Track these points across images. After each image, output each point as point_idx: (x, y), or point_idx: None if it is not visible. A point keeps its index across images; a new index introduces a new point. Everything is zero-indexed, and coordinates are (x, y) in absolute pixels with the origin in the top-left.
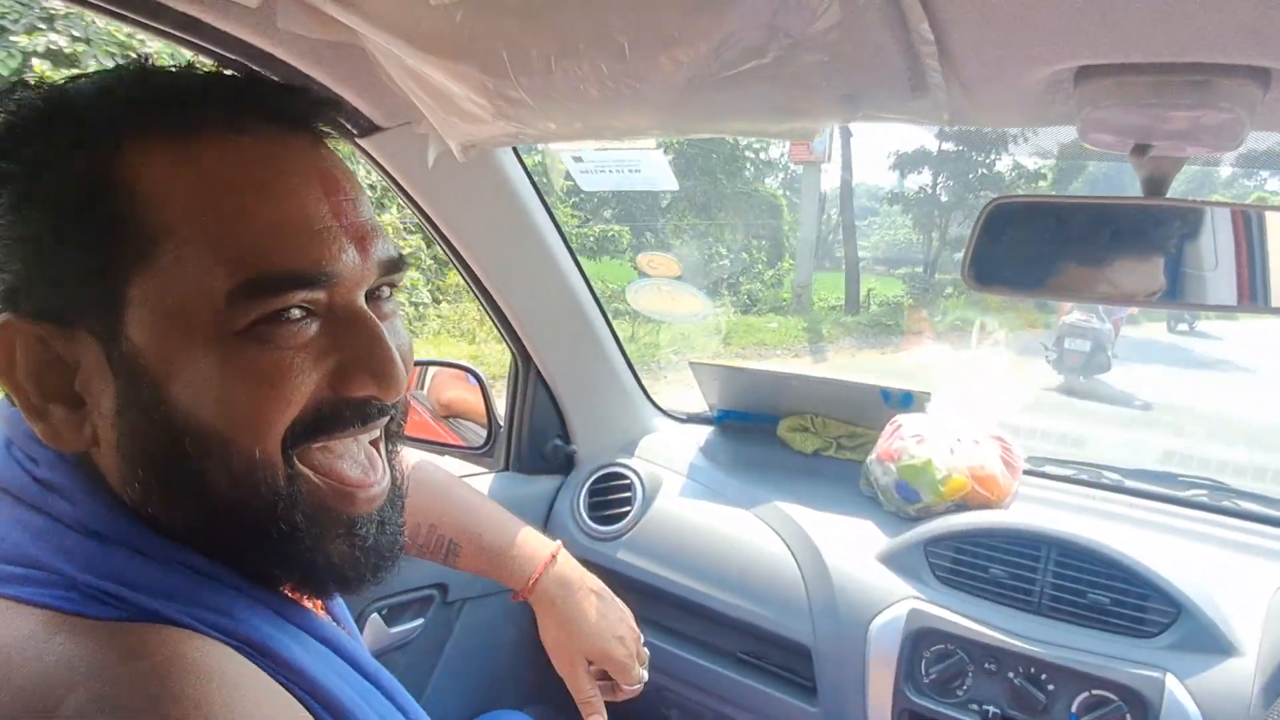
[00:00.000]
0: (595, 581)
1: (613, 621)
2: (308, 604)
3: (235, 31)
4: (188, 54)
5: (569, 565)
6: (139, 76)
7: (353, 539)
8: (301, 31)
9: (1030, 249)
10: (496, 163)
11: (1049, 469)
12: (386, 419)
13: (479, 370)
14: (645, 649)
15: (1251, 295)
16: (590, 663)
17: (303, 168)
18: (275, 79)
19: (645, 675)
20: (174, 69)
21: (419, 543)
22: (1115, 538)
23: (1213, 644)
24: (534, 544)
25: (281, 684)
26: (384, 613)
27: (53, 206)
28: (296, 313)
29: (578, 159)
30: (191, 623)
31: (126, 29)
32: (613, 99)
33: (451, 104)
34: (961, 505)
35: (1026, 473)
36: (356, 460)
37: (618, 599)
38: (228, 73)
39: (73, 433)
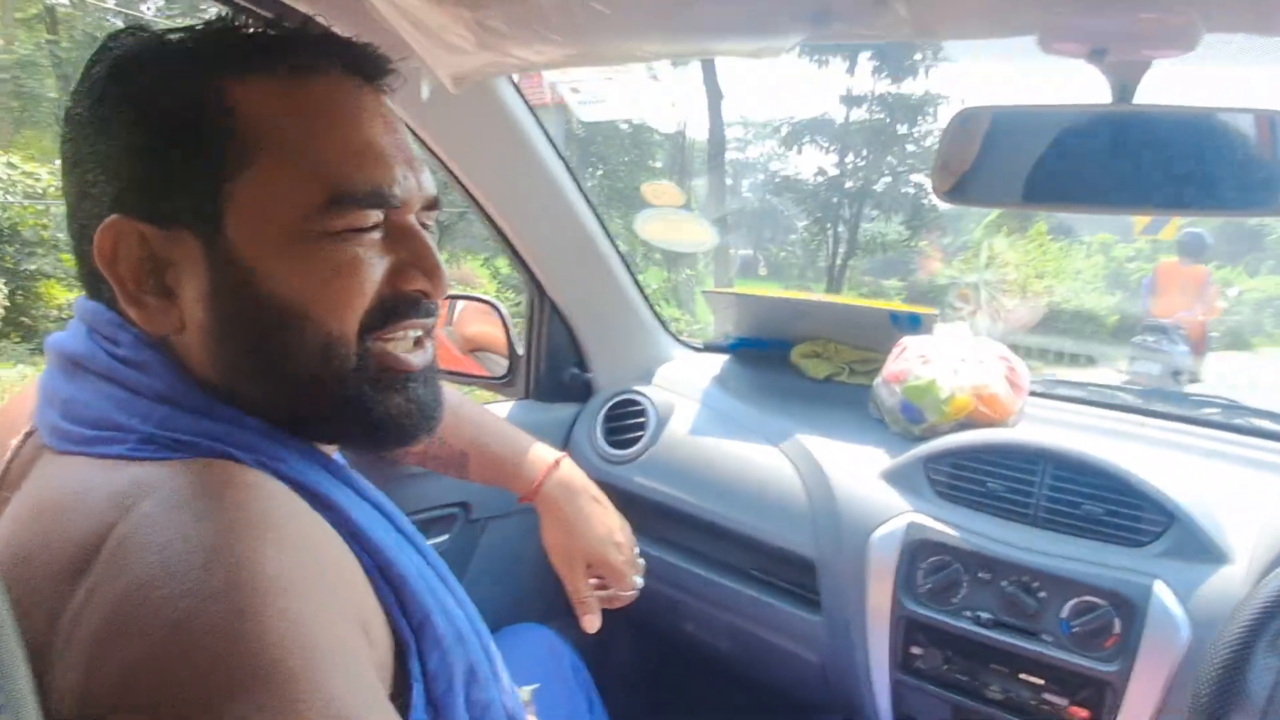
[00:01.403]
0: (596, 490)
1: (611, 529)
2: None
3: None
4: None
5: (572, 472)
6: (236, 26)
7: (406, 393)
8: None
9: (1001, 158)
10: (496, 97)
11: (1060, 390)
12: (431, 320)
13: (500, 303)
14: (641, 559)
15: (1218, 199)
16: (589, 565)
17: (370, 106)
18: (341, 34)
19: (640, 583)
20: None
21: (432, 454)
22: (1112, 451)
23: (1203, 552)
24: (539, 452)
25: (330, 524)
26: None
27: (166, 122)
28: (371, 222)
29: (575, 90)
30: (249, 461)
31: None
32: (588, 24)
33: (436, 37)
34: (966, 424)
35: (1038, 394)
36: (408, 350)
37: (615, 510)
38: (307, 28)
39: (163, 318)
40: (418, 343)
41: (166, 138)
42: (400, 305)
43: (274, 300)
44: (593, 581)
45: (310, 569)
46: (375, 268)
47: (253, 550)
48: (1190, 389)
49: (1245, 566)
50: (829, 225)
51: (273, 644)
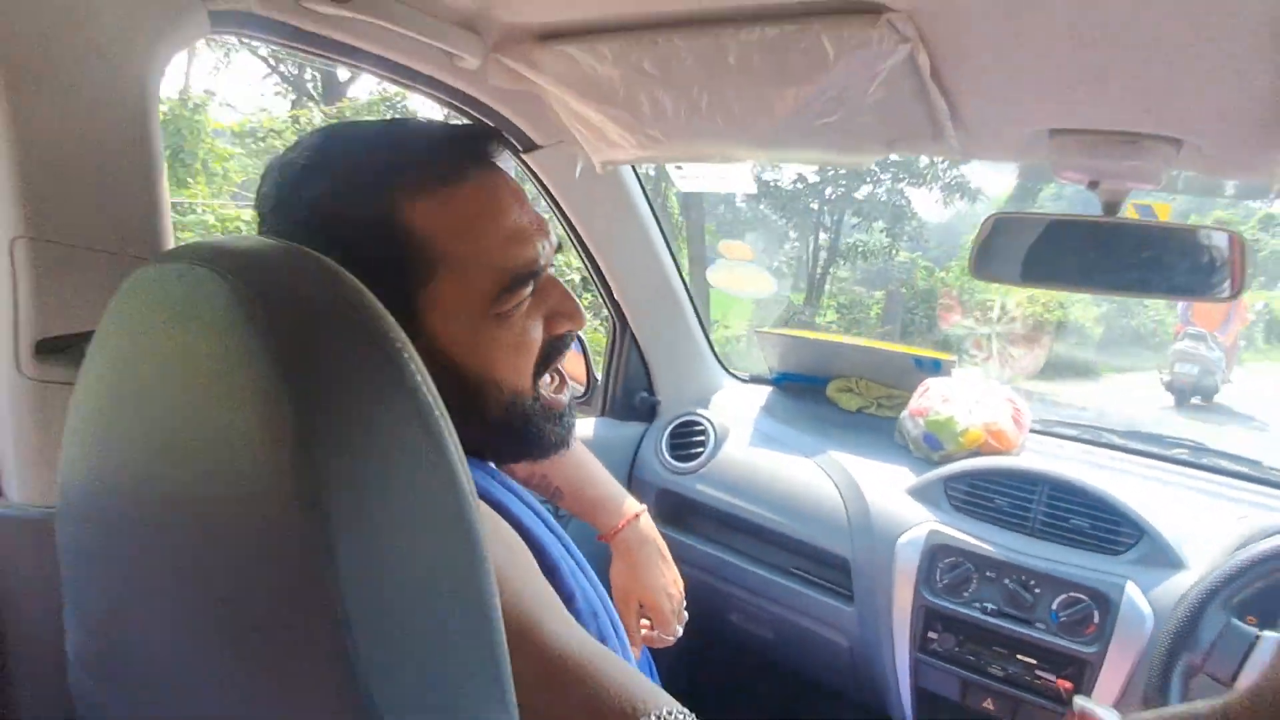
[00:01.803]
0: (663, 545)
1: (668, 581)
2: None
3: (457, 84)
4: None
5: (647, 525)
6: (398, 136)
7: (561, 422)
8: (504, 85)
9: (1020, 251)
10: (621, 176)
11: (1058, 429)
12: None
13: (582, 336)
14: (685, 612)
15: (1169, 289)
16: (641, 606)
17: (508, 190)
18: (478, 127)
19: (679, 632)
20: (421, 126)
21: (534, 484)
22: (1097, 478)
23: (1166, 560)
24: (624, 501)
25: (509, 525)
26: None
27: (357, 239)
28: (529, 292)
29: (678, 166)
30: None
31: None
32: (721, 138)
33: (602, 137)
34: (977, 453)
35: (1039, 431)
36: (559, 391)
37: (674, 566)
38: (450, 126)
39: None
40: (561, 383)
41: (360, 253)
42: (554, 349)
43: (469, 373)
44: (643, 622)
45: (511, 555)
46: (536, 328)
47: None
48: (1165, 433)
49: (1198, 573)
50: (810, 234)
51: (508, 604)
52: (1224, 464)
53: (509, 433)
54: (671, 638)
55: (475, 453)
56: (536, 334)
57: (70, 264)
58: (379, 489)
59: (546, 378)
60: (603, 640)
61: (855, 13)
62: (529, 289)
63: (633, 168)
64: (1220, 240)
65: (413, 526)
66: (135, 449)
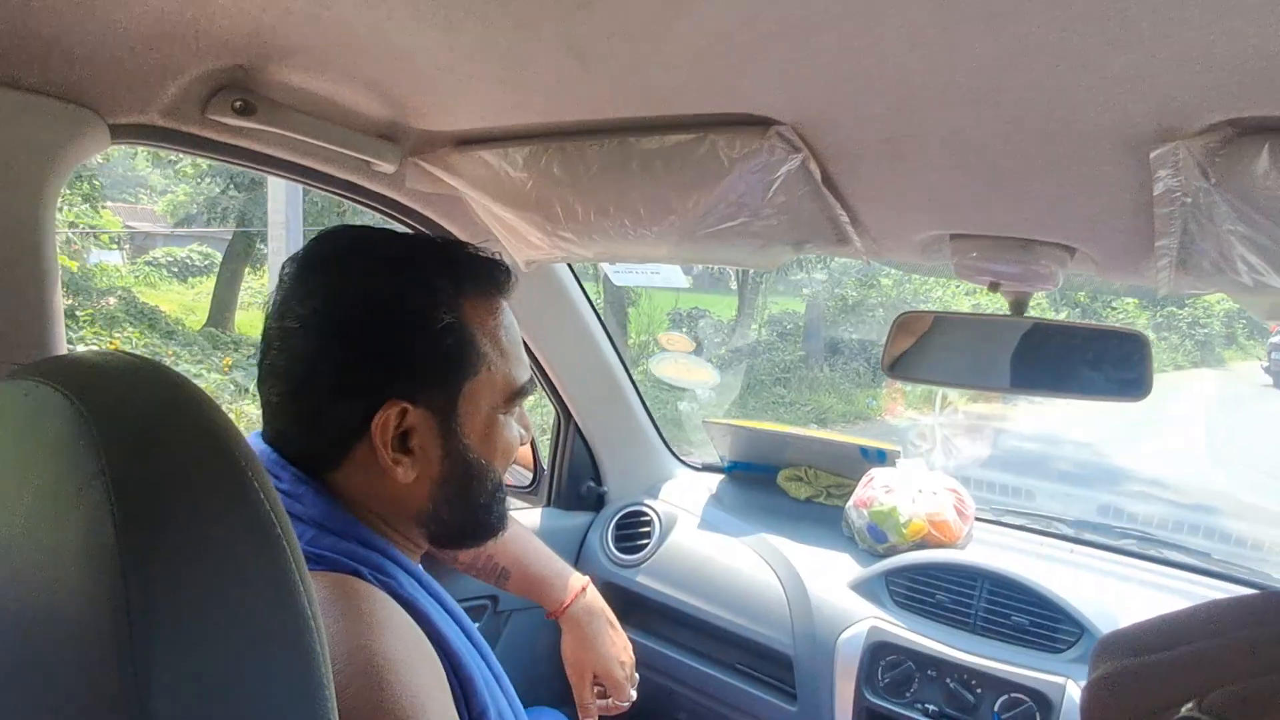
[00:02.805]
0: (611, 615)
1: (619, 649)
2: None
3: (374, 187)
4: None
5: (594, 598)
6: (442, 245)
7: (506, 506)
8: (422, 189)
9: (931, 350)
10: (554, 270)
11: (1006, 518)
12: None
13: None
14: (637, 676)
15: (1080, 389)
16: (595, 677)
17: (510, 314)
18: (502, 260)
19: (634, 695)
20: (471, 247)
21: (478, 566)
22: (1037, 573)
23: None
24: (569, 577)
25: (420, 627)
26: None
27: (431, 335)
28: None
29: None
30: (370, 578)
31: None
32: (632, 240)
33: (521, 237)
34: (921, 545)
35: (987, 520)
36: None
37: (624, 633)
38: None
39: (407, 471)
40: None
41: (423, 345)
42: (514, 453)
43: (475, 463)
44: (596, 689)
45: (419, 656)
46: (518, 434)
47: (381, 642)
48: (1111, 522)
49: None
50: None
51: (405, 708)
52: (1173, 555)
53: (486, 515)
54: (626, 703)
55: (450, 539)
56: (518, 438)
57: None
58: (208, 608)
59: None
60: None
61: (746, 124)
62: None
63: (570, 268)
64: (1128, 341)
65: (244, 646)
66: None
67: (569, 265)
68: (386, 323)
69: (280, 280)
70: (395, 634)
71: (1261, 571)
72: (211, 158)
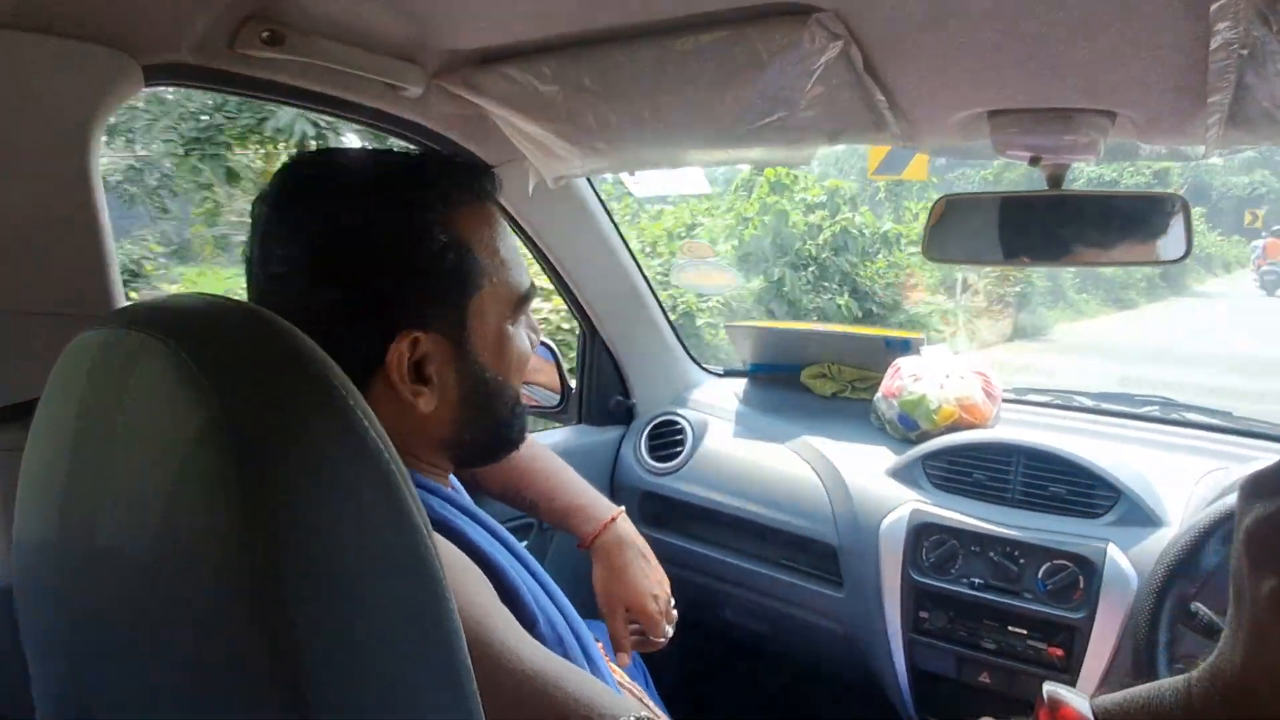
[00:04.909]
0: (645, 546)
1: (652, 583)
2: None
3: (400, 113)
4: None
5: (626, 528)
6: (446, 160)
7: (525, 419)
8: (449, 111)
9: (972, 231)
10: (576, 187)
11: (1030, 396)
12: None
13: (552, 343)
14: (675, 612)
15: (1118, 254)
16: (628, 611)
17: (505, 223)
18: (481, 163)
19: (670, 632)
20: (432, 153)
21: (509, 498)
22: (1069, 445)
23: (1145, 519)
24: (598, 507)
25: (459, 547)
26: None
27: (429, 256)
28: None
29: (632, 173)
30: None
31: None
32: (667, 146)
33: (551, 153)
34: (952, 428)
35: (1010, 400)
36: None
37: (659, 566)
38: (468, 161)
39: (426, 400)
40: None
41: (418, 266)
42: (528, 362)
43: (491, 378)
44: (631, 626)
45: (458, 569)
46: (528, 342)
47: None
48: (1132, 392)
49: (1178, 529)
50: None
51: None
52: (1194, 417)
53: (507, 431)
54: (662, 639)
55: (478, 457)
56: (529, 346)
57: (13, 330)
58: (332, 542)
59: None
60: None
61: (785, 14)
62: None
63: (588, 179)
64: (1165, 204)
65: (370, 576)
66: (87, 515)
67: (591, 184)
68: (382, 252)
69: (254, 220)
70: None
71: None
72: (242, 94)
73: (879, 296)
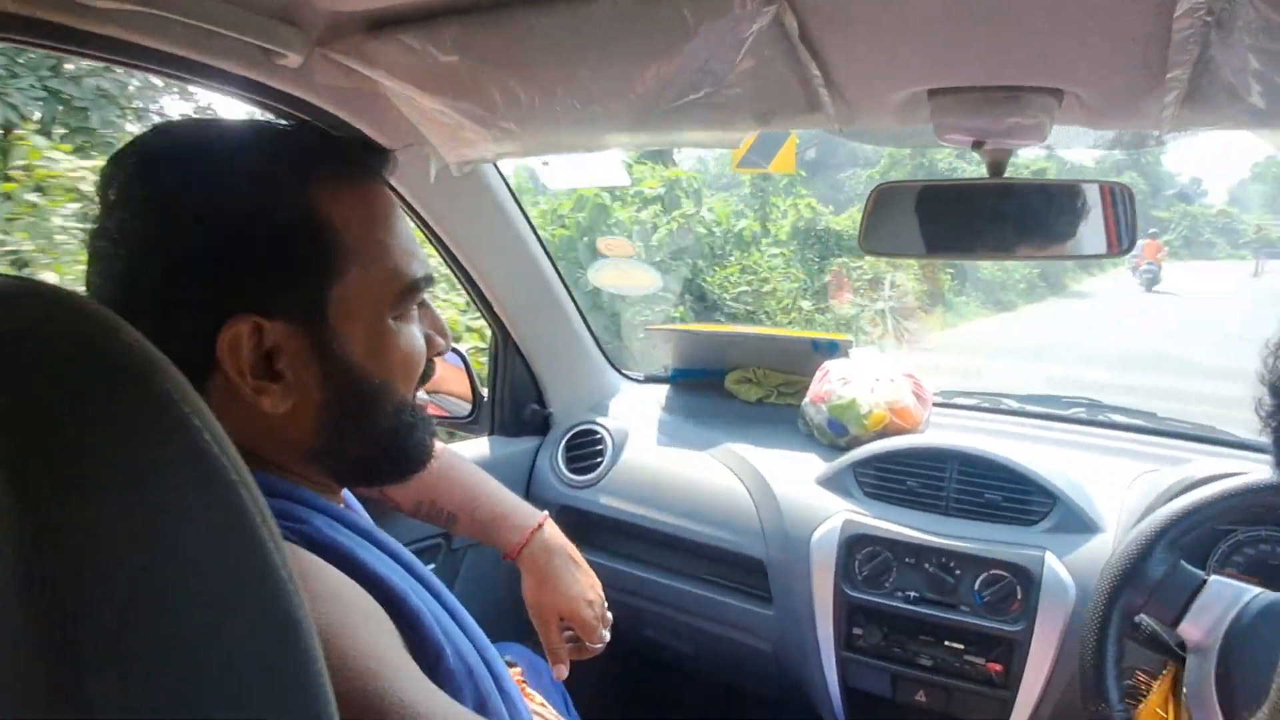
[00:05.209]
0: (574, 550)
1: (584, 587)
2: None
3: (278, 84)
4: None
5: (553, 534)
6: (309, 133)
7: (431, 432)
8: (335, 84)
9: (907, 221)
10: (483, 175)
11: (957, 400)
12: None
13: (464, 352)
14: (609, 614)
15: (1061, 248)
16: (562, 619)
17: (396, 204)
18: (375, 143)
19: (607, 637)
20: (315, 128)
21: (423, 513)
22: (1005, 448)
23: (1081, 525)
24: (522, 514)
25: (355, 579)
26: None
27: (272, 233)
28: (420, 298)
29: (545, 163)
30: (283, 532)
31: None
32: (582, 126)
33: (453, 134)
34: (883, 434)
35: (937, 404)
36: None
37: (590, 569)
38: (347, 135)
39: (279, 400)
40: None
41: (272, 249)
42: (430, 367)
43: (367, 379)
44: (566, 633)
45: (345, 603)
46: (422, 343)
47: None
48: (1059, 393)
49: (1113, 535)
50: None
51: (341, 671)
52: (1120, 419)
53: (394, 444)
54: (599, 645)
55: (364, 476)
56: (422, 346)
57: None
58: (136, 549)
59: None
60: (482, 701)
61: None
62: (421, 297)
63: (495, 166)
64: (1109, 194)
65: (183, 591)
66: None
67: (499, 172)
68: (217, 226)
69: (97, 190)
70: (313, 592)
71: (1206, 425)
72: (86, 54)
73: (729, 307)
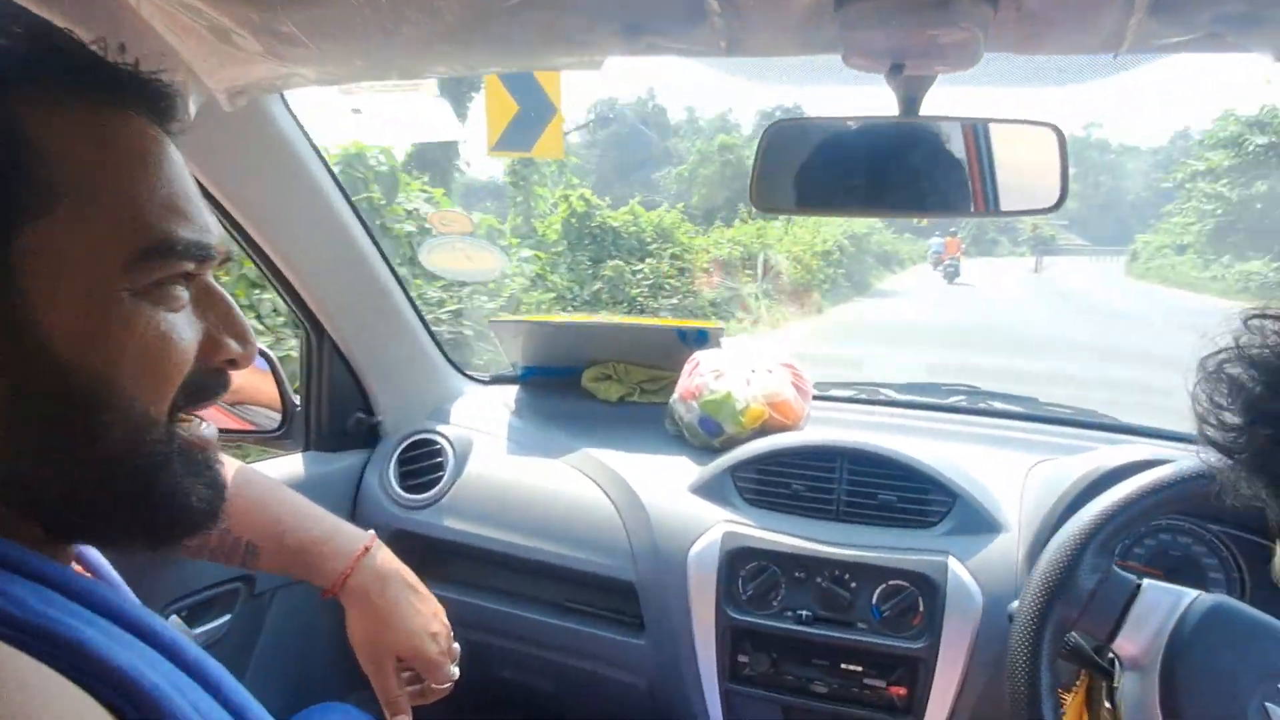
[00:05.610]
0: (410, 575)
1: (427, 618)
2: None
3: None
4: None
5: (384, 558)
6: (39, 38)
7: (212, 473)
8: None
9: (804, 171)
10: (268, 116)
11: (834, 391)
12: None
13: (269, 351)
14: (457, 646)
15: (985, 202)
16: (400, 660)
17: (175, 155)
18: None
19: (456, 673)
20: (72, 40)
21: (210, 546)
22: (895, 443)
23: (983, 525)
24: (344, 538)
25: (76, 678)
26: (184, 614)
27: None
28: (181, 280)
29: (357, 110)
30: None
31: None
32: (394, 33)
33: (213, 43)
34: (761, 431)
35: (816, 397)
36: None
37: (432, 595)
38: (112, 61)
39: None
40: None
41: None
42: (210, 381)
43: (79, 373)
44: (405, 674)
45: None
46: (189, 336)
47: None
48: (938, 381)
49: (1016, 534)
50: None
51: None
52: (1001, 406)
53: (134, 483)
54: (447, 684)
55: (89, 531)
56: (188, 343)
57: None
58: None
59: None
60: None
61: None
62: (182, 269)
63: (287, 108)
64: (1040, 136)
65: None
66: None
67: (306, 134)
68: None
69: None
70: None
71: (1085, 409)
72: None
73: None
